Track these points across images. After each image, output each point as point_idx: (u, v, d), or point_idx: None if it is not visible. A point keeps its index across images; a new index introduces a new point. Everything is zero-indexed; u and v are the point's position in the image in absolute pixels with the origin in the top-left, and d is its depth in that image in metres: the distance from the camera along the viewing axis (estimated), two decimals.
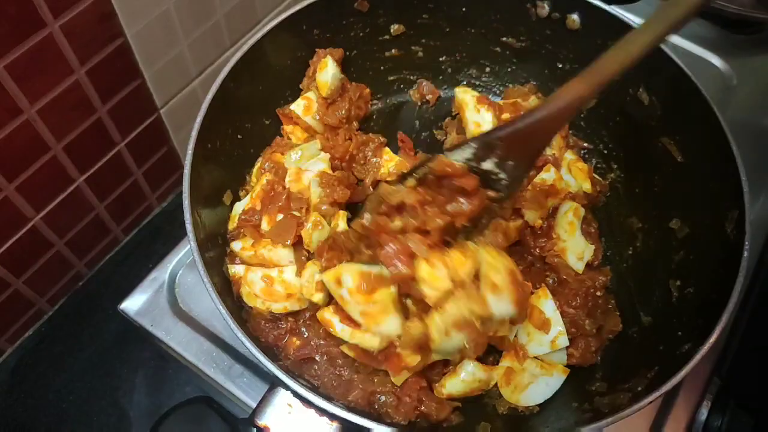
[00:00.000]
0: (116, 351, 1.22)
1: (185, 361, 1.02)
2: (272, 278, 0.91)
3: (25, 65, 0.90)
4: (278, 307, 0.91)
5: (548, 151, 1.10)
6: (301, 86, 1.14)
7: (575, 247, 1.00)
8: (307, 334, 0.91)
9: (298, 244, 0.94)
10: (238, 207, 1.01)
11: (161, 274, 1.08)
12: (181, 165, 1.35)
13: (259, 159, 1.09)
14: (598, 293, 0.97)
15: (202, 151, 0.92)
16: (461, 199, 0.78)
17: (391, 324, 0.78)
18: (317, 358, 0.89)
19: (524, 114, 0.74)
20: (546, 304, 0.93)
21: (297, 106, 1.10)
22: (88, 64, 1.00)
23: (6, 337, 1.20)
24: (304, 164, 1.04)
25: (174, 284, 1.09)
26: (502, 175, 0.76)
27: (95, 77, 1.03)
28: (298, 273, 0.91)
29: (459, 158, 0.76)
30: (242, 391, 0.98)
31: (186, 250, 1.11)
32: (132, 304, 1.05)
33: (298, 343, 0.90)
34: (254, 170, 1.08)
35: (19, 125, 0.95)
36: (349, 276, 0.79)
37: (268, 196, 0.97)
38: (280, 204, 0.94)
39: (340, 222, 0.97)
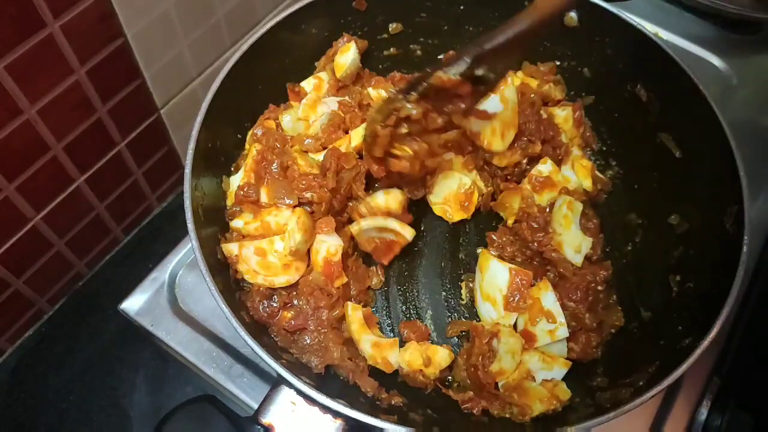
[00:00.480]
0: (116, 351, 1.22)
1: (185, 361, 1.02)
2: (264, 250, 0.91)
3: (25, 65, 0.90)
4: (281, 281, 0.91)
5: (564, 138, 1.11)
6: (315, 64, 1.15)
7: (572, 240, 1.00)
8: (297, 303, 0.92)
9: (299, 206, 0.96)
10: (234, 182, 1.01)
11: (161, 274, 1.09)
12: (181, 165, 1.35)
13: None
14: (599, 287, 0.98)
15: (202, 151, 0.92)
16: (457, 101, 0.90)
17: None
18: (311, 326, 0.90)
19: (500, 30, 0.86)
20: (546, 296, 0.94)
21: (307, 84, 1.11)
22: (88, 64, 1.00)
23: (6, 337, 1.20)
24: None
25: (174, 284, 1.09)
26: (491, 75, 0.89)
27: (95, 77, 1.03)
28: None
29: (455, 72, 0.87)
30: (242, 390, 0.98)
31: (186, 250, 1.11)
32: (132, 304, 1.05)
33: (289, 315, 0.91)
34: (247, 137, 1.07)
35: (20, 125, 0.95)
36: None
37: (260, 166, 0.97)
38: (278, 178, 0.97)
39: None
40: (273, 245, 0.91)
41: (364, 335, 0.91)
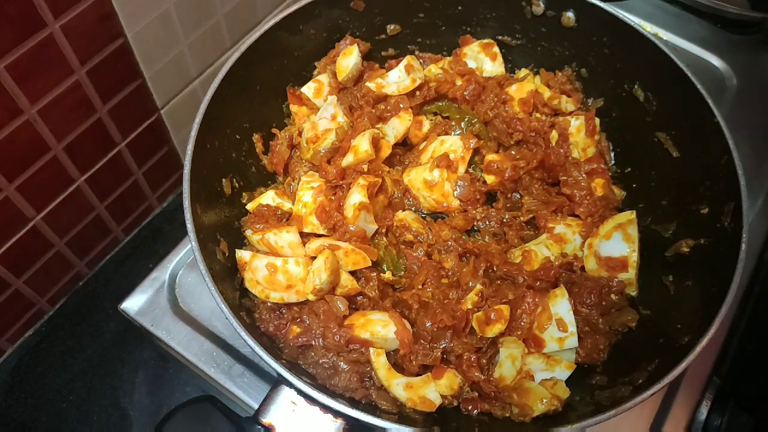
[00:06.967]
0: (116, 351, 1.23)
1: (185, 360, 1.02)
2: (276, 267, 0.91)
3: (26, 65, 0.90)
4: (276, 297, 0.91)
5: (574, 152, 1.09)
6: (315, 64, 1.15)
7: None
8: (308, 321, 0.91)
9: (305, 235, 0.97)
10: (265, 198, 1.02)
11: (161, 274, 1.09)
12: (181, 165, 1.35)
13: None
14: (614, 293, 0.96)
15: (201, 151, 0.92)
16: None
17: None
18: (314, 343, 0.90)
19: None
20: (561, 304, 0.92)
21: (308, 89, 1.12)
22: (88, 65, 1.00)
23: (6, 337, 1.20)
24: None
25: (174, 284, 1.09)
26: None
27: (95, 77, 1.03)
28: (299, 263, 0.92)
29: None
30: (243, 390, 0.98)
31: (186, 250, 1.11)
32: (132, 304, 1.05)
33: (298, 330, 0.90)
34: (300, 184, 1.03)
35: (20, 125, 0.95)
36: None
37: (325, 211, 0.97)
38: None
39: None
40: (286, 265, 0.91)
41: (393, 380, 0.87)
